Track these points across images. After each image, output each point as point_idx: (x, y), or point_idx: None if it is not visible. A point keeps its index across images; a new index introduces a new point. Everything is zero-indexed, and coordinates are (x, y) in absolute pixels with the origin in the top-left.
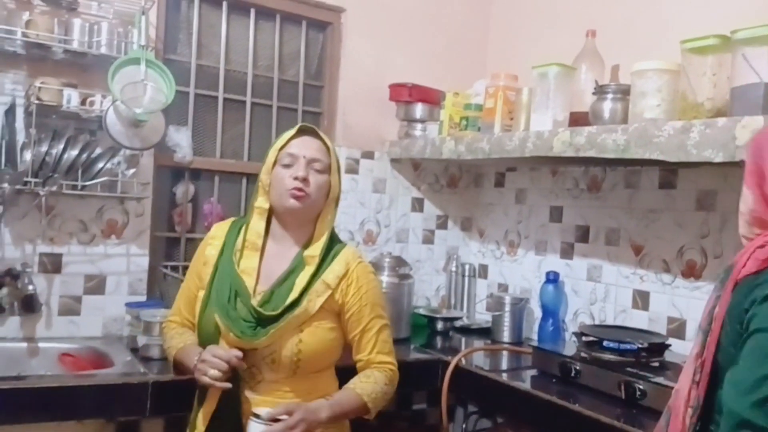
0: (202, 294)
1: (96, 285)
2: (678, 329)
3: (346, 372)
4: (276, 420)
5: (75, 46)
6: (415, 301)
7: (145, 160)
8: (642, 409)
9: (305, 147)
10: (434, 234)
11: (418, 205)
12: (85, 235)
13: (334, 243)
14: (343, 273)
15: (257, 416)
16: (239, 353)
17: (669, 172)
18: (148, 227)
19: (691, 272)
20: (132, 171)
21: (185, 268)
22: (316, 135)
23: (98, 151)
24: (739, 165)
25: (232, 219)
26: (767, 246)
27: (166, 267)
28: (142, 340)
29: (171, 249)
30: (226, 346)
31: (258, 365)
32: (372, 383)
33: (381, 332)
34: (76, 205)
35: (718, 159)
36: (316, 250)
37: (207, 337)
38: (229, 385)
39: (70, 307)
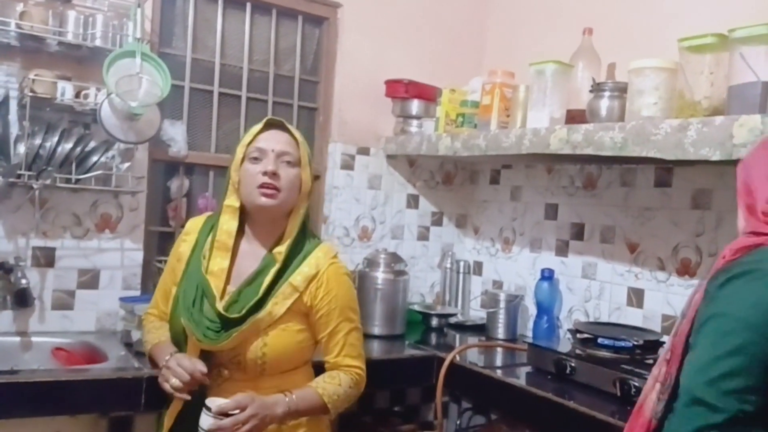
0: (173, 291)
1: (90, 279)
2: (672, 327)
3: (323, 368)
4: (227, 414)
5: (70, 38)
6: (409, 297)
7: (139, 154)
8: None
9: (273, 140)
10: (429, 231)
11: (413, 201)
12: (79, 229)
13: (306, 239)
14: (313, 275)
15: (208, 408)
16: (203, 368)
17: (664, 171)
18: (143, 221)
19: (686, 270)
20: (126, 165)
21: None
22: (284, 128)
23: (92, 144)
24: (735, 164)
25: (207, 214)
26: (745, 237)
27: (160, 261)
28: (136, 335)
29: (165, 243)
30: (192, 346)
31: (224, 365)
32: (335, 385)
33: (349, 335)
34: (69, 198)
35: (716, 157)
36: (283, 246)
37: (176, 336)
38: (187, 396)
39: (64, 302)
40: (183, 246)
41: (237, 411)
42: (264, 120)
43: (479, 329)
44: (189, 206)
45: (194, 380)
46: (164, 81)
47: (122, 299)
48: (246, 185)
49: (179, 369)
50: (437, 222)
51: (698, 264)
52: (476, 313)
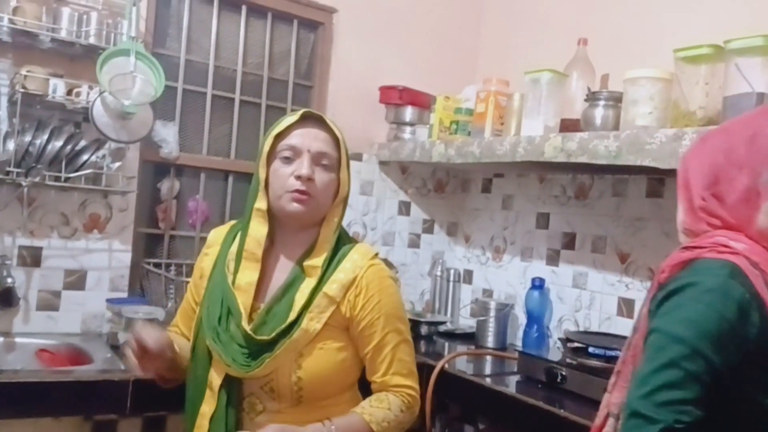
0: (198, 312)
1: (76, 280)
2: None
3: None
4: None
5: (63, 35)
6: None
7: (130, 154)
8: None
9: (311, 138)
10: (420, 238)
11: (405, 208)
12: (67, 228)
13: (341, 244)
14: (350, 281)
15: None
16: (157, 336)
17: (656, 181)
18: (132, 222)
19: None
20: (117, 164)
21: (168, 265)
22: (323, 123)
23: (83, 143)
24: None
25: (231, 223)
26: (679, 253)
27: (148, 264)
28: (123, 337)
29: (154, 245)
30: (215, 373)
31: (257, 393)
32: (384, 409)
33: (398, 349)
34: (58, 197)
35: None
36: (318, 260)
37: (199, 360)
38: (141, 372)
39: (49, 302)
40: (205, 260)
41: None
42: (301, 112)
43: (469, 338)
44: (179, 208)
45: (139, 344)
46: (158, 80)
47: (109, 301)
48: (275, 188)
49: (132, 341)
50: (428, 229)
51: None
52: (466, 322)
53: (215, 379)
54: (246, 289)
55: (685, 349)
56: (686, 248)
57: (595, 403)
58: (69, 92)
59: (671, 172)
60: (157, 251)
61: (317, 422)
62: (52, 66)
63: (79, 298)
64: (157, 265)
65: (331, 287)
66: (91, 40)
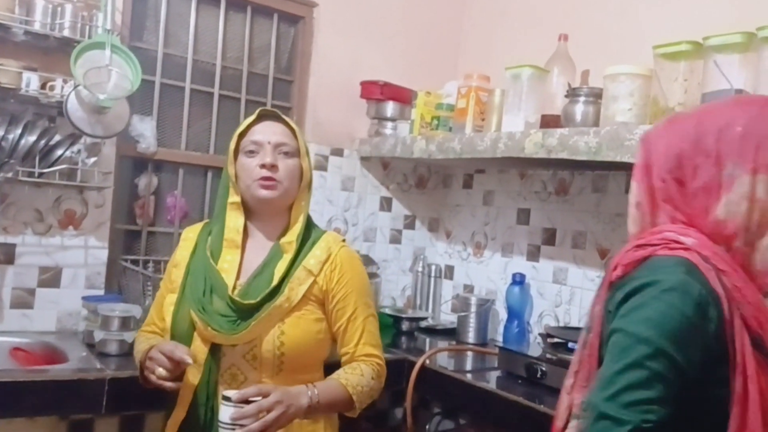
0: (171, 298)
1: (51, 277)
2: None
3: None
4: (248, 402)
5: (37, 27)
6: (381, 300)
7: (106, 149)
8: None
9: (269, 132)
10: (401, 234)
11: (386, 204)
12: (41, 225)
13: (311, 230)
14: (326, 258)
15: (227, 399)
16: (185, 347)
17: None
18: (108, 219)
19: None
20: (93, 160)
21: (146, 261)
22: (278, 119)
23: (57, 137)
24: None
25: (205, 221)
26: (632, 251)
27: (126, 260)
28: (99, 335)
29: (131, 242)
30: (201, 345)
31: (238, 364)
32: (358, 375)
33: (367, 322)
34: (32, 193)
35: None
36: (292, 236)
37: (180, 338)
38: (173, 385)
39: (23, 300)
40: (180, 252)
41: (259, 398)
42: (257, 111)
43: (450, 333)
44: (157, 204)
45: (175, 362)
46: (134, 74)
47: (85, 298)
48: (244, 179)
49: (160, 356)
50: (410, 225)
51: None
52: (447, 317)
53: (200, 351)
54: (228, 269)
55: (649, 349)
56: (638, 246)
57: None
58: (43, 86)
59: None
60: (135, 248)
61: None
62: (25, 59)
63: (54, 296)
64: (135, 262)
65: (309, 262)
66: (66, 33)
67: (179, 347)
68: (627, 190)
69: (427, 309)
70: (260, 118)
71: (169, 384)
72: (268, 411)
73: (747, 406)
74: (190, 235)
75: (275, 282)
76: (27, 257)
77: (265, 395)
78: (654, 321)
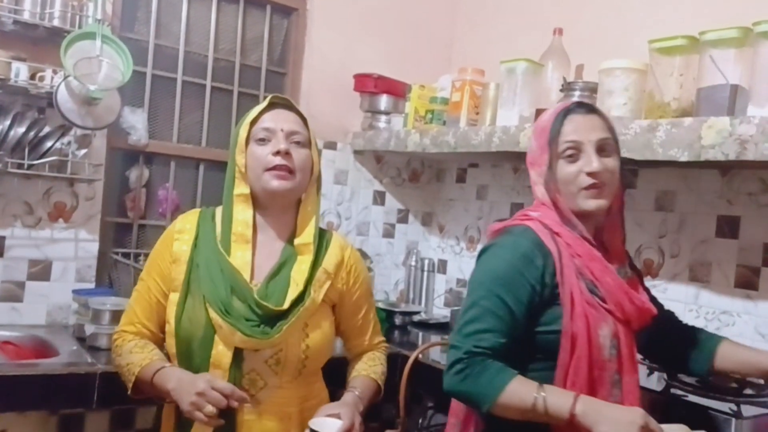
0: (174, 297)
1: (41, 271)
2: None
3: (330, 373)
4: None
5: (26, 17)
6: (374, 295)
7: (97, 141)
8: None
9: (281, 119)
10: (395, 228)
11: (379, 198)
12: (31, 217)
13: (318, 227)
14: (341, 260)
15: None
16: (244, 394)
17: (629, 172)
18: (99, 212)
19: (648, 271)
20: (83, 152)
21: (137, 255)
22: (290, 107)
23: (47, 129)
24: (701, 166)
25: (198, 210)
26: (497, 224)
27: (117, 254)
28: (89, 329)
29: (122, 235)
30: (225, 350)
31: (258, 369)
32: (378, 364)
33: (375, 314)
34: (21, 185)
35: (684, 158)
36: (308, 237)
37: (196, 342)
38: (220, 421)
39: (13, 293)
40: (177, 245)
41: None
42: (268, 98)
43: (443, 327)
44: (148, 197)
45: (232, 403)
46: (125, 65)
47: (75, 292)
48: (255, 169)
49: (214, 393)
50: (403, 219)
51: (661, 265)
52: (440, 312)
53: (223, 356)
54: (242, 267)
55: (483, 291)
56: (500, 221)
57: None
58: (32, 76)
59: (645, 163)
60: (126, 241)
61: (313, 404)
62: (14, 49)
63: (44, 289)
64: (126, 256)
65: (329, 264)
66: (56, 23)
67: (236, 390)
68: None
69: (420, 303)
70: (271, 106)
71: (216, 422)
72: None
73: (575, 341)
74: (187, 226)
75: (301, 287)
76: (16, 250)
77: (353, 422)
78: (488, 270)
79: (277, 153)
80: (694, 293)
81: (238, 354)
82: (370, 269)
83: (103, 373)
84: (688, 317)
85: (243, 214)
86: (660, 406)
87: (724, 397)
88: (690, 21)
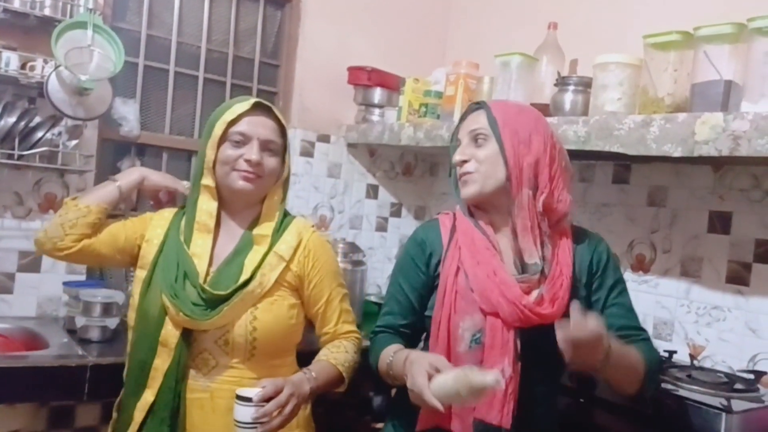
0: (141, 273)
1: (31, 262)
2: None
3: (308, 359)
4: (267, 400)
5: (16, 5)
6: (366, 288)
7: (88, 132)
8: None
9: (260, 126)
10: (387, 222)
11: (372, 191)
12: (21, 208)
13: (283, 218)
14: (297, 243)
15: (245, 399)
16: None
17: (623, 168)
18: None
19: (640, 266)
20: (74, 142)
21: None
22: (270, 113)
23: (38, 119)
24: (694, 162)
25: (181, 207)
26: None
27: None
28: (80, 321)
29: None
30: (173, 329)
31: (210, 349)
32: (344, 352)
33: (343, 301)
34: (11, 176)
35: (677, 154)
36: (267, 229)
37: (150, 320)
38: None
39: (2, 285)
40: (152, 227)
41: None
42: (251, 101)
43: None
44: (140, 189)
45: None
46: (117, 55)
47: (66, 284)
48: (224, 168)
49: None
50: (396, 213)
51: (653, 260)
52: None
53: (171, 336)
54: (200, 255)
55: (392, 279)
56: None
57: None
58: (23, 66)
59: (638, 159)
60: None
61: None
62: (4, 38)
63: (34, 281)
64: None
65: (280, 247)
66: (47, 12)
67: None
68: (614, 180)
69: None
70: (252, 109)
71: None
72: (285, 406)
73: (438, 329)
74: (165, 214)
75: (248, 274)
76: (6, 241)
77: (279, 391)
78: (397, 260)
79: (248, 161)
80: (685, 288)
81: (188, 334)
82: (362, 263)
83: (94, 365)
84: (679, 312)
85: (207, 204)
86: (651, 401)
87: (714, 392)
88: (684, 16)
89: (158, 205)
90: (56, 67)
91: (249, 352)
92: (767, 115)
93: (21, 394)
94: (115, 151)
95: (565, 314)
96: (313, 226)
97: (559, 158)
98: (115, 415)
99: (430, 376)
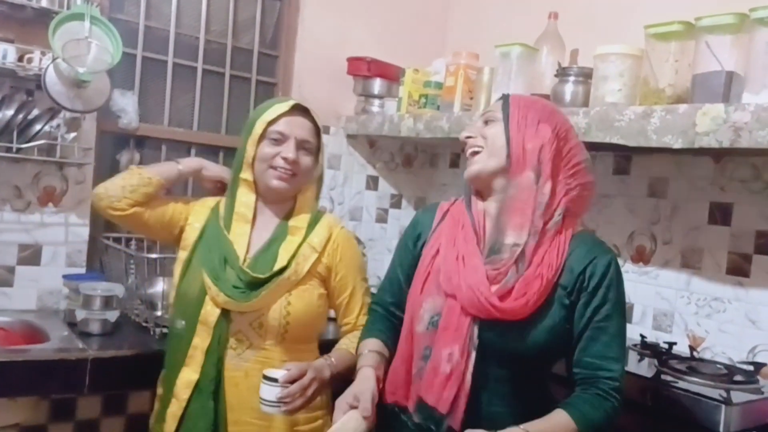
0: (183, 254)
1: (31, 255)
2: (627, 313)
3: (328, 348)
4: (291, 382)
5: None
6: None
7: (87, 125)
8: None
9: (297, 126)
10: (388, 213)
11: (372, 183)
12: (20, 201)
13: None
14: (327, 237)
15: (272, 379)
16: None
17: (623, 159)
18: (89, 196)
19: (641, 257)
20: (72, 135)
21: (128, 239)
22: (307, 114)
23: (36, 112)
24: (695, 153)
25: (220, 198)
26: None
27: (107, 238)
28: (80, 314)
29: None
30: (212, 309)
31: (245, 330)
32: None
33: (366, 295)
34: (10, 169)
35: (678, 145)
36: (302, 222)
37: (191, 300)
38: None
39: (2, 278)
40: (196, 212)
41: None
42: (290, 102)
43: None
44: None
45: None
46: (115, 47)
47: (66, 277)
48: (262, 165)
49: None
50: (396, 204)
51: (653, 251)
52: None
53: (210, 315)
54: (239, 241)
55: (392, 257)
56: None
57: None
58: (20, 58)
59: (638, 150)
60: (116, 225)
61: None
62: (1, 30)
63: (34, 274)
64: (117, 240)
65: (313, 240)
66: (43, 3)
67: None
68: (614, 171)
69: None
70: (291, 111)
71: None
72: (307, 388)
73: (409, 308)
74: (208, 202)
75: (284, 262)
76: (5, 234)
77: (303, 374)
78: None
79: (285, 159)
80: (685, 280)
81: (226, 315)
82: (363, 254)
83: (95, 358)
84: (679, 303)
85: (246, 197)
86: (650, 392)
87: (714, 384)
88: (686, 6)
89: (212, 194)
90: (54, 59)
91: (281, 336)
92: None
93: (21, 387)
94: (113, 144)
95: (535, 316)
96: (341, 222)
97: (570, 153)
98: (160, 390)
99: (351, 406)
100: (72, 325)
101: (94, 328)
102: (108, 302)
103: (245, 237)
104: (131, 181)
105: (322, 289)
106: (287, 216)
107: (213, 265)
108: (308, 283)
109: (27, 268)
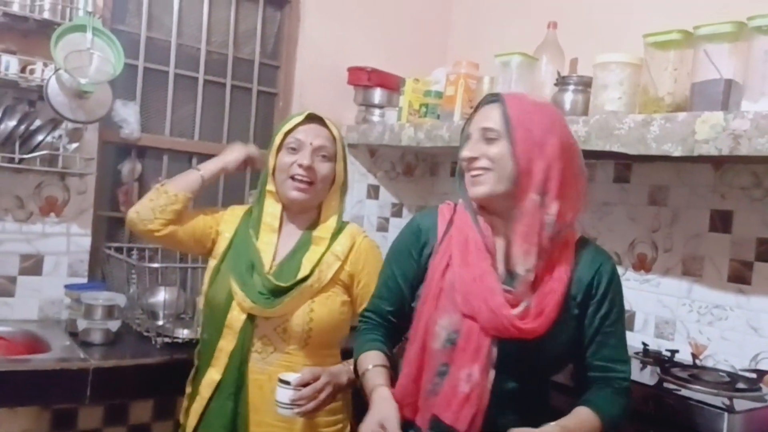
0: (212, 263)
1: (32, 265)
2: (627, 321)
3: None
4: (304, 385)
5: (16, 9)
6: None
7: (89, 135)
8: None
9: (312, 134)
10: (389, 222)
11: (373, 192)
12: (22, 212)
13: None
14: (351, 245)
15: (285, 382)
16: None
17: (623, 167)
18: (91, 206)
19: (642, 265)
20: (74, 145)
21: (129, 249)
22: (323, 123)
23: (38, 122)
24: (694, 161)
25: (249, 206)
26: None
27: (109, 248)
28: (82, 324)
29: (115, 229)
30: (239, 314)
31: (269, 335)
32: None
33: None
34: (12, 179)
35: (677, 153)
36: (325, 232)
37: (218, 305)
38: None
39: (4, 288)
40: (225, 222)
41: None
42: (305, 113)
43: None
44: (141, 191)
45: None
46: (117, 58)
47: (68, 287)
48: (280, 174)
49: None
50: (397, 213)
51: (654, 259)
52: None
53: (236, 320)
54: (266, 250)
55: (385, 264)
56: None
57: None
58: (22, 69)
59: (638, 158)
60: (119, 235)
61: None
62: (4, 42)
63: (35, 284)
64: (119, 250)
65: (336, 248)
66: (46, 15)
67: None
68: (615, 179)
69: None
70: (307, 120)
71: None
72: (320, 392)
73: (419, 323)
74: (237, 212)
75: (307, 271)
76: (7, 244)
77: (316, 378)
78: (391, 245)
79: (300, 165)
80: (687, 287)
81: (252, 320)
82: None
83: (96, 368)
84: (681, 311)
85: (273, 207)
86: (653, 400)
87: (716, 391)
88: (685, 15)
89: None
90: (56, 70)
91: (304, 341)
92: (767, 114)
93: (23, 397)
94: (115, 154)
95: (551, 331)
96: (364, 232)
97: (573, 164)
98: (189, 389)
99: None
100: (73, 334)
101: (96, 337)
102: (109, 312)
103: (272, 246)
104: (159, 202)
105: (346, 297)
106: (312, 226)
107: (240, 271)
108: (331, 291)
109: (29, 278)
